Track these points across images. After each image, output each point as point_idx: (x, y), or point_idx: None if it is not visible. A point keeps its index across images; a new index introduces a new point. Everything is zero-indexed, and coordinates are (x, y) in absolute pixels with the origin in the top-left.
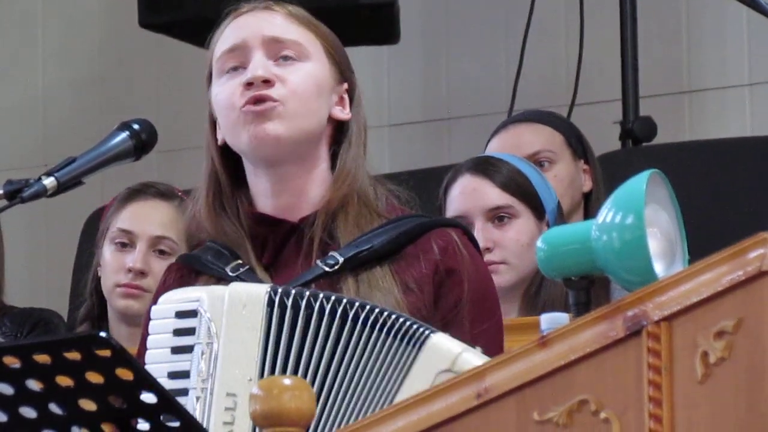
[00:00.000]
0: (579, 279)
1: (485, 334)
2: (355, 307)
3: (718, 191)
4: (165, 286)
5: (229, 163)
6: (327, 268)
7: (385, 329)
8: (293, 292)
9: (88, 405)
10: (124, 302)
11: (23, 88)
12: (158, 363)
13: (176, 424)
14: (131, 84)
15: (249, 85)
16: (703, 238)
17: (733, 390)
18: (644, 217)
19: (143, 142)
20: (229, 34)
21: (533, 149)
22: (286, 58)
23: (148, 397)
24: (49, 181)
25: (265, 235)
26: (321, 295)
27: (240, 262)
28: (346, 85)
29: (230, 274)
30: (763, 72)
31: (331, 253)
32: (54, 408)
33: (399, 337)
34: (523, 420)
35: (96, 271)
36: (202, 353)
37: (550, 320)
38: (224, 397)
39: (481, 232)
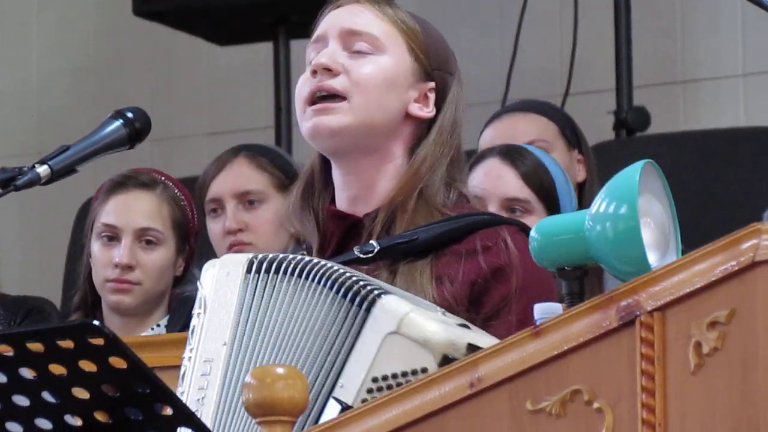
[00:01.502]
0: (572, 269)
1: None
2: (311, 265)
3: (711, 181)
4: None
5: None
6: (361, 255)
7: (335, 287)
8: (272, 257)
9: (81, 393)
10: (114, 298)
11: (17, 77)
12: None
13: (170, 412)
14: (125, 72)
15: (314, 73)
16: (696, 229)
17: (726, 380)
18: (638, 207)
19: (137, 130)
20: (319, 27)
21: (527, 139)
22: (360, 49)
23: (142, 387)
24: (42, 169)
25: (332, 231)
26: (294, 258)
27: (304, 254)
28: (432, 84)
29: None
30: (756, 62)
31: (370, 241)
32: (47, 396)
33: (350, 297)
34: (516, 409)
35: (88, 261)
36: (193, 326)
37: (543, 310)
38: (202, 364)
39: None
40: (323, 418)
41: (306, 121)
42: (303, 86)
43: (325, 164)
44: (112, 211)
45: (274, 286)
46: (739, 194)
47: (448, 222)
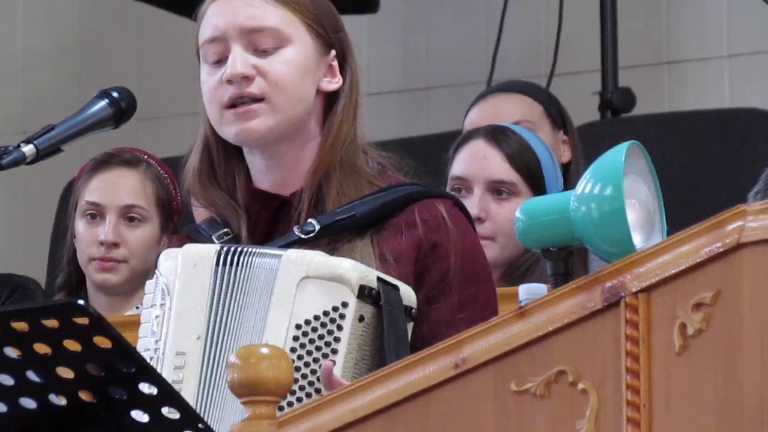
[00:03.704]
0: (557, 250)
1: (473, 299)
2: (250, 253)
3: (696, 163)
4: None
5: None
6: (302, 235)
7: (252, 266)
8: (238, 249)
9: (65, 372)
10: (100, 276)
11: (3, 56)
12: (147, 336)
13: (154, 391)
14: (111, 52)
15: (230, 82)
16: (681, 210)
17: (710, 362)
18: (623, 188)
19: (123, 110)
20: (209, 19)
21: (512, 119)
22: (265, 47)
23: (127, 366)
24: (28, 149)
25: (258, 211)
26: (253, 249)
27: (226, 230)
28: (333, 52)
29: (215, 241)
30: (742, 43)
31: (309, 220)
32: (31, 375)
33: (263, 267)
34: (500, 390)
35: (72, 242)
36: (156, 316)
37: (529, 291)
38: (174, 356)
39: (478, 199)
40: None
41: (229, 125)
42: (217, 91)
43: (223, 142)
44: (95, 189)
45: (245, 277)
46: (725, 175)
47: (383, 194)
